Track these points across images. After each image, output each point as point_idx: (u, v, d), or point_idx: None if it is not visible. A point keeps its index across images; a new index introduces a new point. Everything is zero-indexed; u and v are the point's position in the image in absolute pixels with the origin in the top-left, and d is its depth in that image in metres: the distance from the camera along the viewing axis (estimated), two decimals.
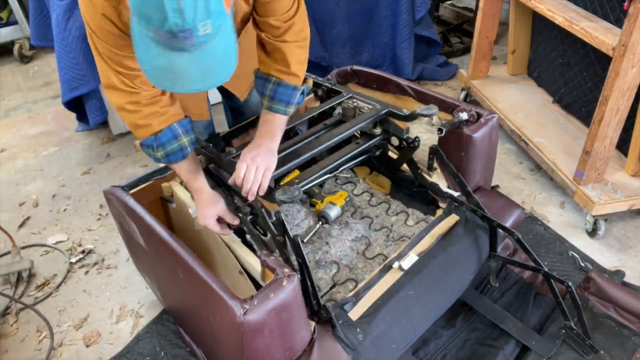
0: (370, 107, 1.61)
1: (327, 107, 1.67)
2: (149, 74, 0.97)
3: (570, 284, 1.38)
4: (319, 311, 1.26)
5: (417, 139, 1.60)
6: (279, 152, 1.35)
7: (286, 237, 1.28)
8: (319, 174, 1.46)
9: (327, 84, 1.80)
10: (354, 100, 1.67)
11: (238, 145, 1.68)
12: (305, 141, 1.52)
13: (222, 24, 0.89)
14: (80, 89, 2.45)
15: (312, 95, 1.88)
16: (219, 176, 1.48)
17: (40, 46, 3.44)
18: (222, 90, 1.79)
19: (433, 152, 1.61)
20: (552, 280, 1.43)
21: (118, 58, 1.14)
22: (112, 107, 1.30)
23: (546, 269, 1.44)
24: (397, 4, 2.84)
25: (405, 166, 1.72)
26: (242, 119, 1.82)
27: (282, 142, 1.53)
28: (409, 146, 1.62)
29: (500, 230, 1.56)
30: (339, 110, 1.67)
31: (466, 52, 3.40)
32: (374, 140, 1.61)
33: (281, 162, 1.37)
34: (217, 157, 1.42)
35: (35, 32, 2.74)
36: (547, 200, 2.19)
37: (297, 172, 1.50)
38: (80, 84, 2.43)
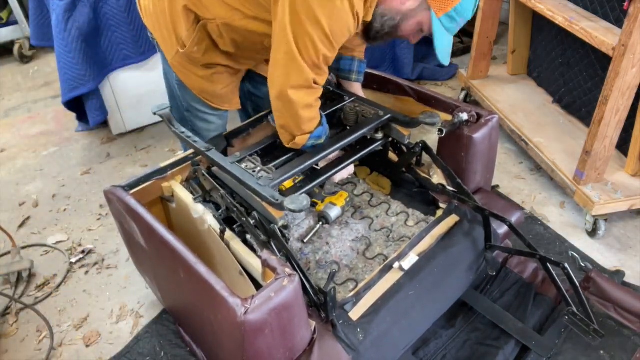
0: (373, 112, 1.61)
1: (329, 111, 1.67)
2: (442, 55, 1.39)
3: (566, 264, 1.37)
4: (316, 296, 1.26)
5: (418, 145, 1.60)
6: (281, 155, 1.45)
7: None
8: (320, 179, 1.46)
9: (328, 87, 1.80)
10: (356, 104, 1.67)
11: (239, 147, 1.68)
12: None
13: None
14: (80, 89, 2.45)
15: None
16: (220, 179, 1.48)
17: (40, 46, 3.44)
18: (253, 78, 1.85)
19: (422, 147, 1.61)
20: (549, 265, 1.42)
21: (330, 56, 1.30)
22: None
23: (542, 253, 1.43)
24: None
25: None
26: (260, 111, 1.86)
27: (283, 145, 1.53)
28: (409, 151, 1.62)
29: (500, 232, 1.56)
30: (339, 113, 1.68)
31: (466, 52, 3.40)
32: (375, 145, 1.61)
33: (284, 168, 1.39)
34: (222, 162, 1.42)
35: (35, 32, 2.74)
36: (547, 200, 2.19)
37: None
38: (80, 84, 2.43)
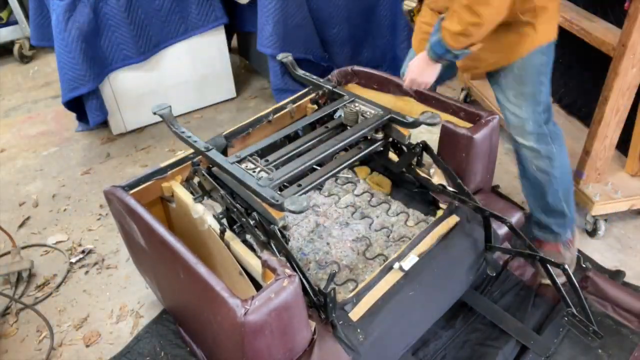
0: (373, 112, 1.61)
1: (330, 110, 1.67)
2: None
3: (566, 266, 1.37)
4: (316, 296, 1.26)
5: (418, 145, 1.60)
6: (282, 155, 1.44)
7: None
8: (321, 180, 1.46)
9: (328, 86, 1.80)
10: (356, 104, 1.67)
11: (239, 147, 1.68)
12: (307, 145, 1.52)
13: None
14: (80, 89, 2.45)
15: (312, 95, 1.88)
16: (220, 179, 1.48)
17: (40, 46, 3.44)
18: None
19: (423, 147, 1.61)
20: (548, 266, 1.42)
21: None
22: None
23: (541, 254, 1.43)
24: (397, 4, 2.83)
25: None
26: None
27: (283, 145, 1.53)
28: (410, 152, 1.62)
29: (501, 233, 1.56)
30: (340, 112, 1.67)
31: None
32: (375, 145, 1.61)
33: (284, 168, 1.39)
34: (222, 162, 1.42)
35: (35, 32, 2.74)
36: None
37: None
38: (80, 84, 2.43)
